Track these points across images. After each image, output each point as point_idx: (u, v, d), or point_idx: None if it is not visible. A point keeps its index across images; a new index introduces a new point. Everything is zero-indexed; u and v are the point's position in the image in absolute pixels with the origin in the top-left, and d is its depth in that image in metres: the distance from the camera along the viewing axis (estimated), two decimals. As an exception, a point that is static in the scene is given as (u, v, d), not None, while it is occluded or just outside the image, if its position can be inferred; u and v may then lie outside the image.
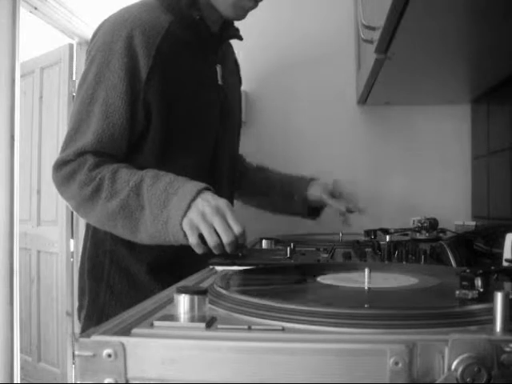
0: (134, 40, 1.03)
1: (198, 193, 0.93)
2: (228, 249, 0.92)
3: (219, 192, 0.98)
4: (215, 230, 0.91)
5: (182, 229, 0.92)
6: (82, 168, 0.99)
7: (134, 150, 1.07)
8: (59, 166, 1.02)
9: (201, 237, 0.92)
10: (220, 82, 1.19)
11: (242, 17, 1.15)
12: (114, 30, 1.04)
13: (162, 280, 1.05)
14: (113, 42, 1.03)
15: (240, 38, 1.25)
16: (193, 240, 0.92)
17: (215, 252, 0.92)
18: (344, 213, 1.32)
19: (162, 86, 1.05)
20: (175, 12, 1.10)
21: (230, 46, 1.31)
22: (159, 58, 1.05)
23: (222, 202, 0.93)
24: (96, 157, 1.00)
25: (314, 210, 1.41)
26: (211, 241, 0.91)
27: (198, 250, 0.92)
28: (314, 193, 1.37)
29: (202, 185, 0.95)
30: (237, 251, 0.93)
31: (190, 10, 1.10)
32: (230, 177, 1.24)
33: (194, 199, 0.92)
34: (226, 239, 0.90)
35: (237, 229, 0.91)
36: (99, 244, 1.11)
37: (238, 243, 0.93)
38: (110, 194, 0.97)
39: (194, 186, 0.95)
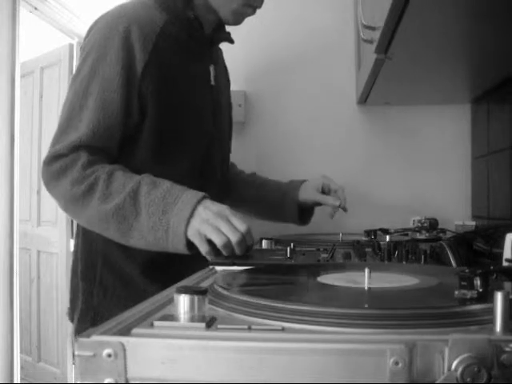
0: (132, 34, 1.02)
1: (198, 202, 0.93)
2: (237, 249, 0.91)
3: (208, 192, 0.97)
4: (222, 233, 0.90)
5: (185, 239, 0.91)
6: (75, 165, 0.97)
7: (128, 150, 1.06)
8: (50, 160, 0.99)
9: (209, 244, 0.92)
10: (213, 83, 1.19)
11: (239, 22, 1.17)
12: (111, 25, 1.04)
13: (156, 280, 1.03)
14: (109, 38, 1.02)
15: (231, 42, 1.24)
16: (204, 248, 0.92)
17: (225, 253, 0.92)
18: (337, 209, 1.32)
19: (156, 83, 1.05)
20: (170, 11, 1.10)
21: (219, 48, 1.31)
22: (155, 54, 1.04)
23: (223, 207, 0.93)
24: (90, 154, 0.98)
25: (304, 214, 1.40)
26: (220, 240, 0.90)
27: (210, 257, 0.92)
28: (305, 193, 1.36)
29: (200, 194, 0.95)
30: (247, 253, 0.93)
31: (185, 9, 1.11)
32: (221, 178, 1.24)
33: (195, 208, 0.92)
34: (233, 238, 0.90)
35: (242, 228, 0.91)
36: (91, 244, 1.10)
37: (247, 244, 0.92)
38: (104, 195, 0.95)
39: (193, 195, 0.94)
